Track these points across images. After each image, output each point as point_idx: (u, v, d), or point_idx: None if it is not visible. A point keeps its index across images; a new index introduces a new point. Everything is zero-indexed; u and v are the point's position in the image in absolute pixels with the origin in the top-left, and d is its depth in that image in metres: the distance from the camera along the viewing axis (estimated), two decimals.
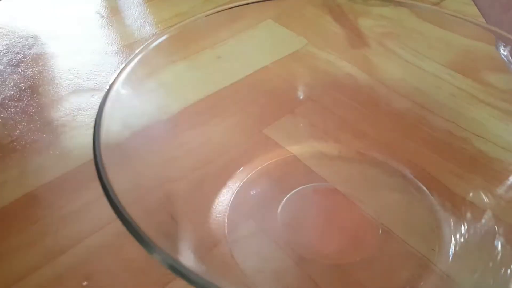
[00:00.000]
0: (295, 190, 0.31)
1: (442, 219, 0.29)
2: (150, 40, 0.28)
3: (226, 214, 0.29)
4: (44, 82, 0.41)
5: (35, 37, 0.47)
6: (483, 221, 0.28)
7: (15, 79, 0.41)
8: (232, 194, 0.30)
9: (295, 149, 0.34)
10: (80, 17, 0.51)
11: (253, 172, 0.32)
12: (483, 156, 0.30)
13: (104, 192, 0.19)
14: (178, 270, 0.17)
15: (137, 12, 0.52)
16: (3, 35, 0.47)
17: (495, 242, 0.26)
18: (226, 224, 0.29)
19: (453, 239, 0.28)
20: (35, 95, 0.40)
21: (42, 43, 0.46)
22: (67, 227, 0.29)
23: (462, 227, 0.28)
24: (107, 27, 0.49)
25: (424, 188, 0.31)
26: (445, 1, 0.51)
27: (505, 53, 0.30)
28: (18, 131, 0.36)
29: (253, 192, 0.31)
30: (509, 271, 0.24)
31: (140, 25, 0.49)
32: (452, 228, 0.28)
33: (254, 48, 0.36)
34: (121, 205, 0.18)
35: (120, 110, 0.24)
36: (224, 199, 0.30)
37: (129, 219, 0.18)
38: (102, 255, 0.28)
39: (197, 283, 0.16)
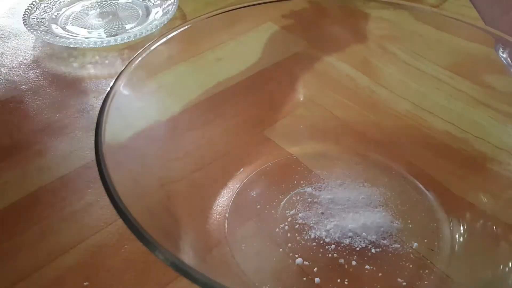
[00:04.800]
0: (295, 191, 0.31)
1: (441, 220, 0.29)
2: (150, 42, 0.28)
3: (227, 215, 0.29)
4: (45, 84, 0.41)
5: (37, 39, 0.47)
6: (481, 221, 0.28)
7: (16, 81, 0.42)
8: (233, 195, 0.31)
9: (295, 150, 0.34)
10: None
11: (253, 173, 0.32)
12: (482, 157, 0.30)
13: (106, 192, 0.19)
14: (181, 268, 0.17)
15: None
16: (4, 37, 0.48)
17: (494, 242, 0.26)
18: (226, 225, 0.29)
19: (452, 239, 0.28)
20: (36, 97, 0.40)
21: (43, 45, 0.46)
22: (68, 228, 0.30)
23: (461, 228, 0.28)
24: None
25: (424, 189, 0.31)
26: (444, 4, 0.51)
27: (504, 55, 0.30)
28: (20, 133, 0.37)
29: (253, 193, 0.31)
30: (507, 269, 0.24)
31: None
32: (451, 228, 0.28)
33: (255, 50, 0.36)
34: (123, 204, 0.19)
35: (121, 111, 0.24)
36: (225, 199, 0.30)
37: (131, 218, 0.18)
38: (103, 255, 0.28)
39: (199, 281, 0.17)
